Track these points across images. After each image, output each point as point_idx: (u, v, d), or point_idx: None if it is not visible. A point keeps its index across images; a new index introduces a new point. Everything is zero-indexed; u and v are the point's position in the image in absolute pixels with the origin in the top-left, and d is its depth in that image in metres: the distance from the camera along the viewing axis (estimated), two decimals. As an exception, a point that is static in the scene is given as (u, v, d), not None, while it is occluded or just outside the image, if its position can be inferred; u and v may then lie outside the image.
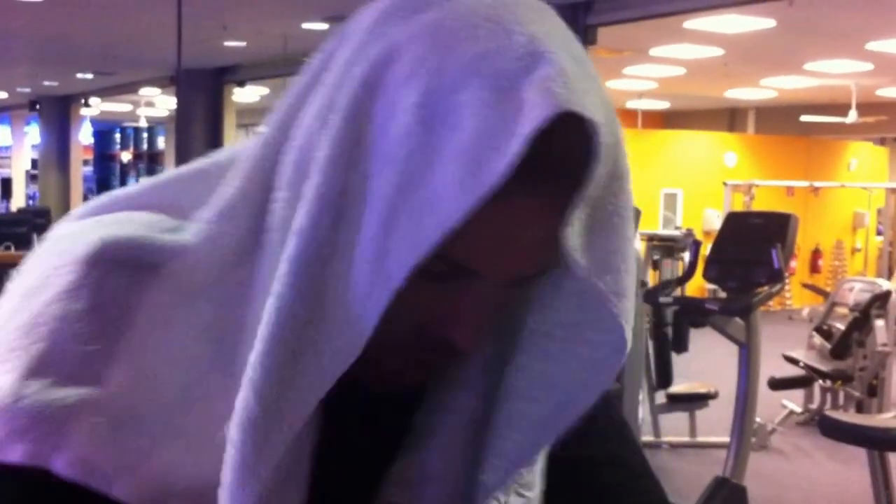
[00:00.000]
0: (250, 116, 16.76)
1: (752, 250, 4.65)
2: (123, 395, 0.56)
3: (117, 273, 0.59)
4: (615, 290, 0.60)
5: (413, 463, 0.67)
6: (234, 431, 0.55)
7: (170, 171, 0.70)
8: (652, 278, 8.57)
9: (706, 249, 5.78)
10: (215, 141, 13.08)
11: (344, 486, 0.67)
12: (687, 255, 8.32)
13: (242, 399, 0.55)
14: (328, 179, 0.56)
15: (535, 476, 0.71)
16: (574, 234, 0.57)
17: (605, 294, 0.59)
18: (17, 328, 0.58)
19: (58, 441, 0.54)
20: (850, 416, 5.08)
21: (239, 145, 0.67)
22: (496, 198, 0.53)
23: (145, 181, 0.70)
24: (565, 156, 0.57)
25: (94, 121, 21.61)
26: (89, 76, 14.33)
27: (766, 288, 4.61)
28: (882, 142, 16.40)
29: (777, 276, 4.58)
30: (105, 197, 0.68)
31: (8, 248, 8.54)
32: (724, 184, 12.44)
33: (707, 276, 5.02)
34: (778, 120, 16.24)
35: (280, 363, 0.55)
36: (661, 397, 6.28)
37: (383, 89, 0.57)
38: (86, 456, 0.55)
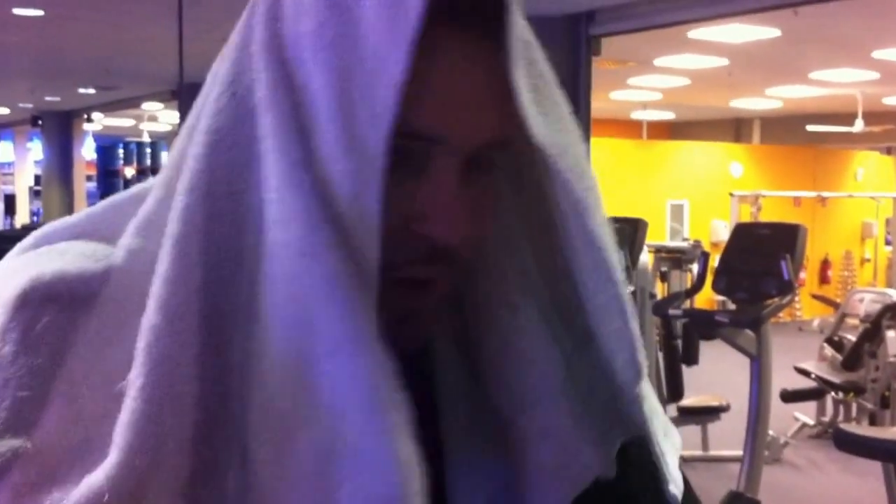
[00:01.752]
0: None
1: (761, 262, 4.63)
2: (58, 441, 0.54)
3: (47, 311, 0.57)
4: (557, 144, 0.60)
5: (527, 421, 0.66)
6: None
7: (108, 198, 0.69)
8: (660, 290, 8.52)
9: (714, 261, 5.74)
10: (218, 157, 13.02)
11: None
12: (695, 267, 8.28)
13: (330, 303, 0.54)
14: (272, 107, 0.57)
15: (677, 473, 0.73)
16: (521, 87, 0.58)
17: (548, 148, 0.60)
18: None
19: None
20: (865, 429, 5.02)
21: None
22: (428, 54, 0.55)
23: (82, 211, 0.69)
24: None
25: (96, 136, 21.61)
26: (91, 91, 14.30)
27: (776, 299, 4.58)
28: (889, 151, 16.34)
29: (787, 288, 4.55)
30: (47, 227, 0.67)
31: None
32: (731, 194, 12.40)
33: (716, 288, 4.99)
34: (784, 130, 16.20)
35: (340, 282, 0.55)
36: (672, 410, 6.22)
37: (283, 7, 0.59)
38: None
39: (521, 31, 0.59)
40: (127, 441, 0.52)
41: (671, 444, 0.74)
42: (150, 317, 0.54)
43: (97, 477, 0.52)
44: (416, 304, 0.63)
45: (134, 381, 0.53)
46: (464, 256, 0.62)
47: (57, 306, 0.57)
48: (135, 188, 0.68)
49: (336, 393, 0.53)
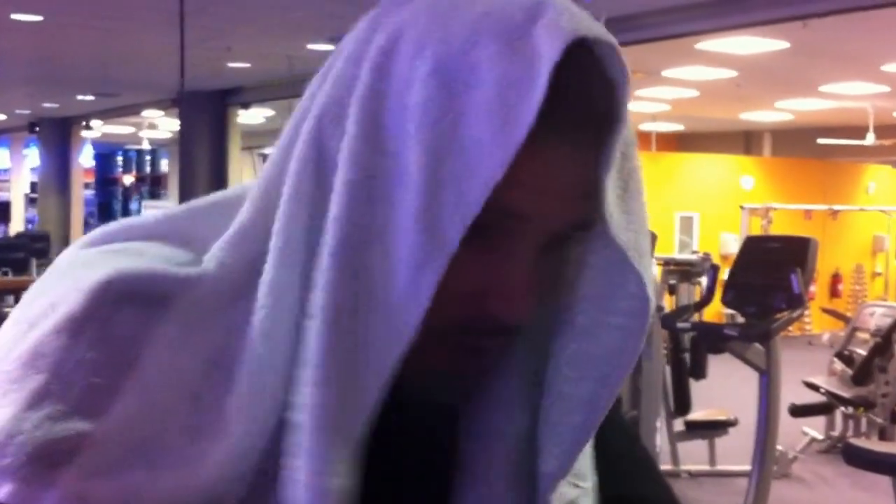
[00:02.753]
0: (255, 139, 16.74)
1: (771, 275, 4.61)
2: (125, 430, 0.55)
3: (127, 307, 0.57)
4: (637, 249, 0.61)
5: (474, 483, 0.67)
6: (300, 417, 0.56)
7: (185, 203, 0.69)
8: (668, 303, 8.48)
9: (724, 274, 5.70)
10: (219, 164, 13.00)
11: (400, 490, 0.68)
12: (704, 280, 8.24)
13: (307, 390, 0.56)
14: (355, 166, 0.57)
15: (587, 468, 0.72)
16: (609, 188, 0.59)
17: (630, 252, 0.61)
18: (18, 358, 0.56)
19: (51, 479, 0.52)
20: (875, 444, 4.98)
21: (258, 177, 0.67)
22: (529, 147, 0.55)
23: (158, 212, 0.68)
24: (587, 90, 0.58)
25: (95, 143, 21.65)
26: (90, 98, 14.27)
27: (785, 313, 4.55)
28: (900, 164, 16.29)
29: (797, 302, 4.53)
30: (116, 225, 0.67)
31: (5, 273, 8.53)
32: (741, 207, 12.37)
33: (725, 302, 4.97)
34: (794, 143, 16.17)
35: (337, 350, 0.56)
36: (679, 425, 6.19)
37: (394, 69, 0.58)
38: (80, 493, 0.52)
39: (623, 136, 0.60)
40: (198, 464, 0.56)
41: None
42: (308, 373, 0.57)
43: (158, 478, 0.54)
44: (469, 368, 0.64)
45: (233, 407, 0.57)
46: (520, 327, 0.63)
47: (136, 303, 0.58)
48: (217, 195, 0.68)
49: (296, 472, 0.56)
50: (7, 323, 0.60)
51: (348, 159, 0.57)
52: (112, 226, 0.67)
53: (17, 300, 7.54)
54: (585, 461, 0.71)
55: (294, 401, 0.56)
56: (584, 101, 0.58)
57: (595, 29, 0.58)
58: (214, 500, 0.55)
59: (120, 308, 0.57)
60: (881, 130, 12.61)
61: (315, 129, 0.60)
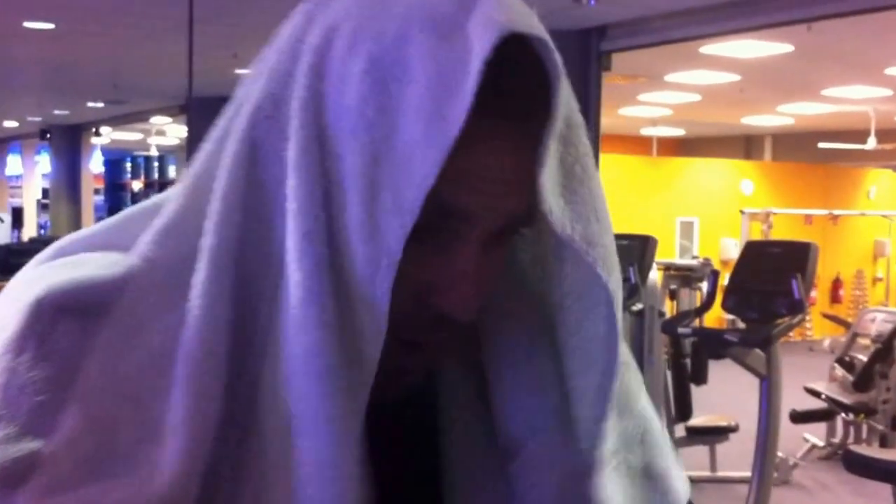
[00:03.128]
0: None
1: (771, 280, 4.61)
2: (75, 444, 0.55)
3: (62, 321, 0.58)
4: (586, 238, 0.61)
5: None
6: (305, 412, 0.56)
7: (125, 210, 0.70)
8: (669, 308, 8.46)
9: (724, 279, 5.68)
10: (226, 170, 13.04)
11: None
12: (705, 285, 8.23)
13: (313, 393, 0.55)
14: (304, 172, 0.57)
15: (643, 420, 0.72)
16: (548, 181, 0.58)
17: (576, 242, 0.60)
18: None
19: (10, 501, 0.53)
20: (876, 451, 4.95)
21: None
22: (464, 144, 0.54)
23: (102, 223, 0.69)
24: (521, 86, 0.58)
25: (104, 150, 21.72)
26: (100, 105, 14.37)
27: (786, 319, 4.55)
28: (901, 169, 16.27)
29: (798, 307, 4.52)
30: (65, 239, 0.68)
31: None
32: (742, 212, 12.34)
33: (726, 307, 4.96)
34: (795, 147, 16.16)
35: (331, 346, 0.56)
36: (680, 430, 6.17)
37: (329, 68, 0.57)
38: None
39: (565, 114, 0.59)
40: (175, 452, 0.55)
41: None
42: (187, 345, 0.57)
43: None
44: (412, 363, 0.65)
45: (172, 413, 0.56)
46: (466, 323, 0.63)
47: (71, 315, 0.58)
48: (149, 201, 0.68)
49: (301, 472, 0.56)
50: None
51: (299, 167, 0.57)
52: (62, 240, 0.67)
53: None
54: (638, 419, 0.71)
55: (289, 396, 0.56)
56: (518, 96, 0.58)
57: (527, 22, 0.57)
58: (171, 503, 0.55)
59: (55, 323, 0.57)
60: (883, 135, 12.59)
61: (249, 126, 0.59)
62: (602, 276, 0.62)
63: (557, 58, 0.57)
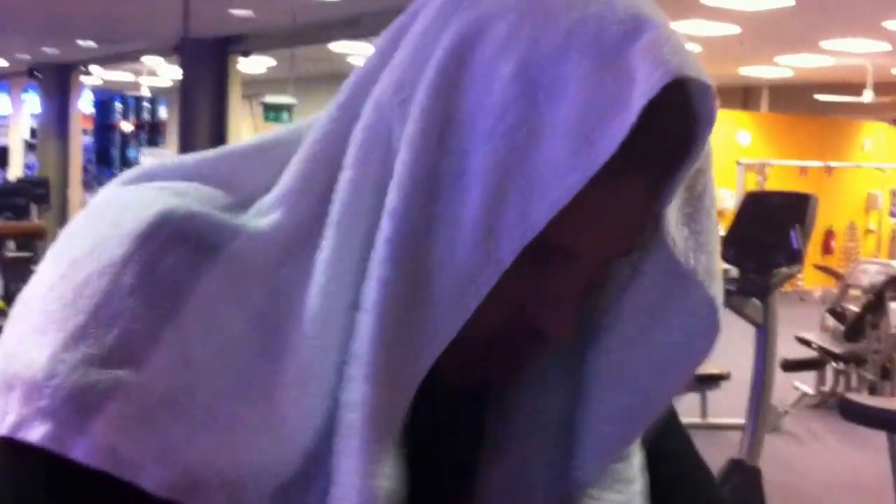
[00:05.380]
0: (256, 87, 16.65)
1: (771, 231, 4.62)
2: (163, 381, 0.52)
3: (174, 250, 0.55)
4: (709, 272, 0.59)
5: (506, 469, 0.65)
6: (350, 416, 0.54)
7: (221, 148, 0.65)
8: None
9: (719, 230, 5.71)
10: (220, 112, 12.88)
11: (429, 485, 0.64)
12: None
13: (356, 386, 0.54)
14: (419, 157, 0.54)
15: (634, 471, 0.69)
16: (672, 212, 0.57)
17: (699, 275, 0.58)
18: (60, 297, 0.54)
19: (83, 426, 0.51)
20: (871, 399, 5.04)
21: (302, 122, 0.64)
22: (603, 175, 0.51)
23: (195, 154, 0.65)
24: (670, 128, 0.55)
25: (94, 90, 21.49)
26: (91, 44, 14.15)
27: (784, 269, 4.57)
28: (897, 122, 16.28)
29: (796, 258, 4.55)
30: (154, 163, 0.64)
31: (8, 218, 8.52)
32: (738, 163, 12.36)
33: (725, 257, 4.99)
34: (792, 99, 16.13)
35: (388, 346, 0.53)
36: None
37: (474, 61, 0.54)
38: (111, 443, 0.51)
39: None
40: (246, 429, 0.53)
41: None
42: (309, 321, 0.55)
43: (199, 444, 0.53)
44: (498, 366, 0.62)
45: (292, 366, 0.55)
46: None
47: (185, 248, 0.55)
48: (255, 140, 0.64)
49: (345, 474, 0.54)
50: (47, 260, 0.58)
51: (412, 151, 0.54)
52: (152, 165, 0.64)
53: (18, 245, 7.49)
54: (632, 465, 0.69)
55: (343, 399, 0.54)
56: (665, 138, 0.55)
57: (696, 66, 0.53)
58: (247, 479, 0.53)
59: (166, 252, 0.55)
60: (879, 88, 12.58)
61: (387, 105, 0.57)
62: (717, 313, 0.60)
63: (716, 104, 0.54)
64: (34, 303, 0.56)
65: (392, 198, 0.54)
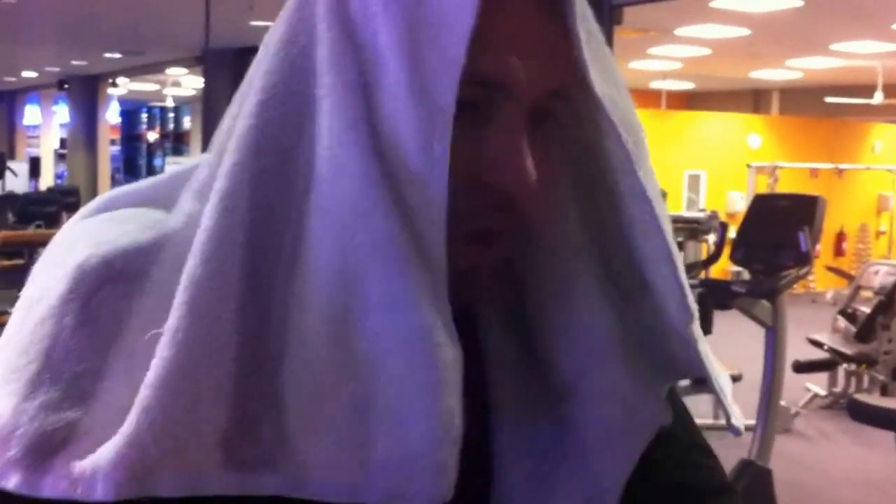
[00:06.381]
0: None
1: (779, 233, 4.63)
2: (112, 413, 0.55)
3: (104, 285, 0.58)
4: (615, 103, 0.62)
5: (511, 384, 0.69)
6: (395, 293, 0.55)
7: (169, 171, 0.71)
8: (675, 260, 8.52)
9: (731, 232, 5.75)
10: (241, 120, 13.07)
11: None
12: (711, 238, 8.28)
13: (386, 281, 0.55)
14: (341, 67, 0.57)
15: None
16: (584, 48, 0.60)
17: (606, 105, 0.61)
18: (17, 347, 0.58)
19: (46, 467, 0.55)
20: (881, 400, 5.07)
21: None
22: (491, 6, 0.56)
23: (148, 179, 0.70)
24: None
25: (121, 100, 21.66)
26: (117, 56, 14.37)
27: (793, 271, 4.59)
28: (908, 124, 16.24)
29: (804, 259, 4.57)
30: (112, 193, 0.69)
31: (39, 226, 8.60)
32: (749, 165, 12.37)
33: (734, 259, 5.01)
34: (802, 101, 16.11)
35: (400, 241, 0.55)
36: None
37: None
38: (73, 474, 0.54)
39: None
40: (165, 393, 0.53)
41: (726, 381, 0.73)
42: (192, 270, 0.55)
43: (135, 431, 0.53)
44: (480, 259, 0.63)
45: (172, 333, 0.54)
46: (527, 209, 0.62)
47: (112, 280, 0.58)
48: (197, 158, 0.67)
49: (377, 349, 0.54)
50: (17, 303, 0.62)
51: (334, 64, 0.57)
52: (109, 194, 0.68)
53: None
54: None
55: (366, 292, 0.55)
56: None
57: None
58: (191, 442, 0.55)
59: (97, 289, 0.58)
60: (890, 89, 12.57)
61: (274, 53, 0.60)
62: (623, 139, 0.62)
63: None
64: (2, 353, 0.59)
65: (323, 117, 0.57)
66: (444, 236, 0.56)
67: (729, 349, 7.67)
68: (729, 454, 4.96)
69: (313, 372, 0.55)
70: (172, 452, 0.54)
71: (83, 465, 0.54)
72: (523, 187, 0.60)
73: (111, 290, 0.58)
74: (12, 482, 0.55)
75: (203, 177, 0.62)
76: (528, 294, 0.70)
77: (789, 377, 5.69)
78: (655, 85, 15.29)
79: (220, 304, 0.55)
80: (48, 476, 0.54)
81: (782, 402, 5.57)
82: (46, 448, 0.55)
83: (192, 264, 0.55)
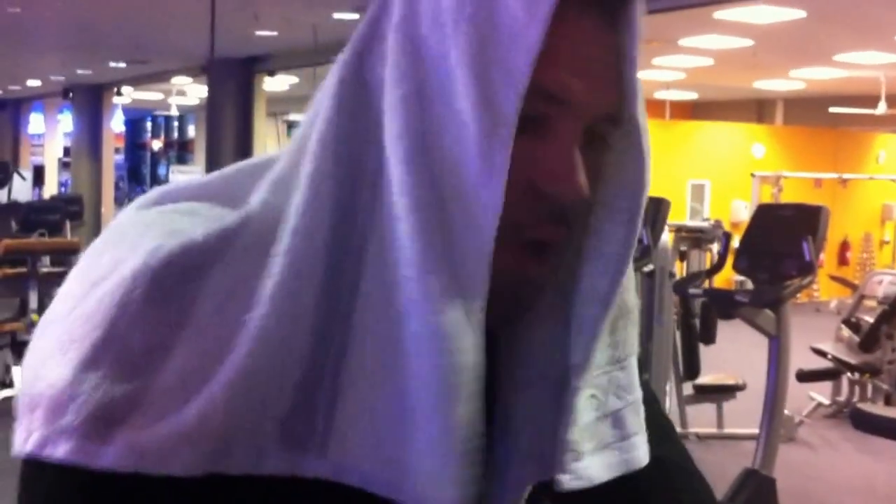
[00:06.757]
0: (280, 105, 16.82)
1: (783, 242, 4.65)
2: (178, 382, 0.56)
3: (178, 269, 0.59)
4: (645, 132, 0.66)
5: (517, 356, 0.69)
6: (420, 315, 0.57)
7: (234, 165, 0.71)
8: (679, 269, 8.55)
9: (734, 241, 5.76)
10: (245, 129, 13.11)
11: None
12: (715, 247, 8.30)
13: (415, 289, 0.57)
14: (401, 81, 0.60)
15: (632, 382, 0.71)
16: (636, 64, 0.64)
17: (643, 136, 0.65)
18: (81, 315, 0.58)
19: (109, 436, 0.55)
20: (884, 410, 5.07)
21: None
22: (558, 26, 0.59)
23: (205, 176, 0.71)
24: None
25: (125, 109, 21.74)
26: (122, 65, 14.43)
27: (797, 280, 4.60)
28: (911, 134, 16.25)
29: (808, 269, 4.58)
30: (170, 186, 0.70)
31: (42, 234, 8.61)
32: (752, 175, 12.39)
33: (737, 268, 5.02)
34: (806, 111, 16.13)
35: (438, 247, 0.58)
36: (688, 388, 6.28)
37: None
38: (136, 446, 0.55)
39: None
40: (242, 376, 0.56)
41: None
42: (280, 264, 0.58)
43: (211, 409, 0.56)
44: (530, 271, 0.64)
45: (257, 320, 0.57)
46: (578, 222, 0.65)
47: (184, 266, 0.59)
48: (259, 157, 0.70)
49: (412, 350, 0.57)
50: (71, 279, 0.62)
51: (395, 78, 0.60)
52: (167, 187, 0.69)
53: (52, 261, 7.54)
54: (630, 375, 0.71)
55: (402, 295, 0.58)
56: None
57: None
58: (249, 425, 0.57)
59: (170, 273, 0.59)
60: (893, 100, 12.58)
61: (342, 68, 0.63)
62: (645, 171, 0.66)
63: None
64: (56, 323, 0.60)
65: (392, 126, 0.60)
66: (492, 242, 0.58)
67: (732, 358, 7.70)
68: (731, 462, 4.96)
69: (366, 368, 0.58)
70: (243, 431, 0.56)
71: (151, 438, 0.55)
72: (578, 200, 0.62)
73: (183, 273, 0.59)
74: (61, 450, 0.55)
75: (279, 172, 0.64)
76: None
77: (793, 386, 5.69)
78: (660, 95, 15.32)
79: (303, 297, 0.58)
80: (110, 446, 0.55)
81: (786, 412, 5.58)
82: (110, 418, 0.55)
83: (278, 260, 0.58)
